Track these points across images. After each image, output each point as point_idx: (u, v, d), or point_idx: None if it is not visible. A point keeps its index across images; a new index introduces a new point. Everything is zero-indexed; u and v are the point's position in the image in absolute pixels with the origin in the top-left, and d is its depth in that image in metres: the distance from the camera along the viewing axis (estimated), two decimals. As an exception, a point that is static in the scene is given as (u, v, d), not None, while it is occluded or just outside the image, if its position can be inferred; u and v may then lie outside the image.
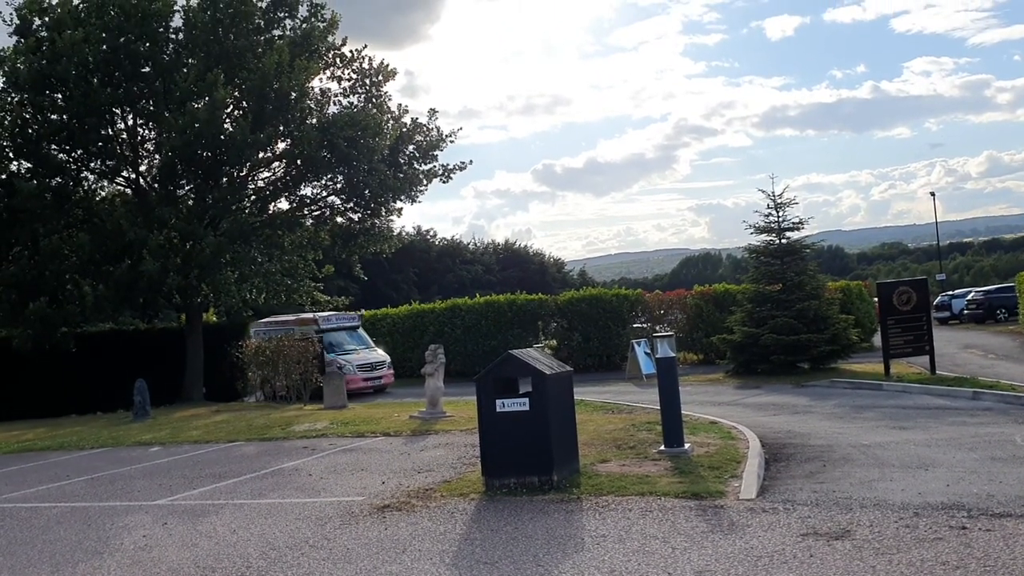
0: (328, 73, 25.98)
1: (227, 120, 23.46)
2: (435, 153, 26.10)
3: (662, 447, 10.62)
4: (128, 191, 26.02)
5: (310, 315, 26.67)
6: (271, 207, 26.84)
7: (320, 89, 25.80)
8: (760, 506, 7.76)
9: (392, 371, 26.22)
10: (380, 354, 26.58)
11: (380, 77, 26.21)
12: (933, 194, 61.43)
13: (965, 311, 40.75)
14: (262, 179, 26.44)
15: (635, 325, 27.53)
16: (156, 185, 24.88)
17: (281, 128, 23.77)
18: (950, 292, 47.68)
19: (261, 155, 24.67)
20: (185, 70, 22.76)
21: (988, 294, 40.97)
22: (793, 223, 22.80)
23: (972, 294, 42.55)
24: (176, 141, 21.98)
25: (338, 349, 25.23)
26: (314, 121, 24.47)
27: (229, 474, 11.73)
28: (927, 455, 9.89)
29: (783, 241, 22.82)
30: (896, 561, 5.92)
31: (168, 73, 22.98)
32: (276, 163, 25.95)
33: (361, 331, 27.55)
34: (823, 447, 10.82)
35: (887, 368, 18.86)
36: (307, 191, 26.77)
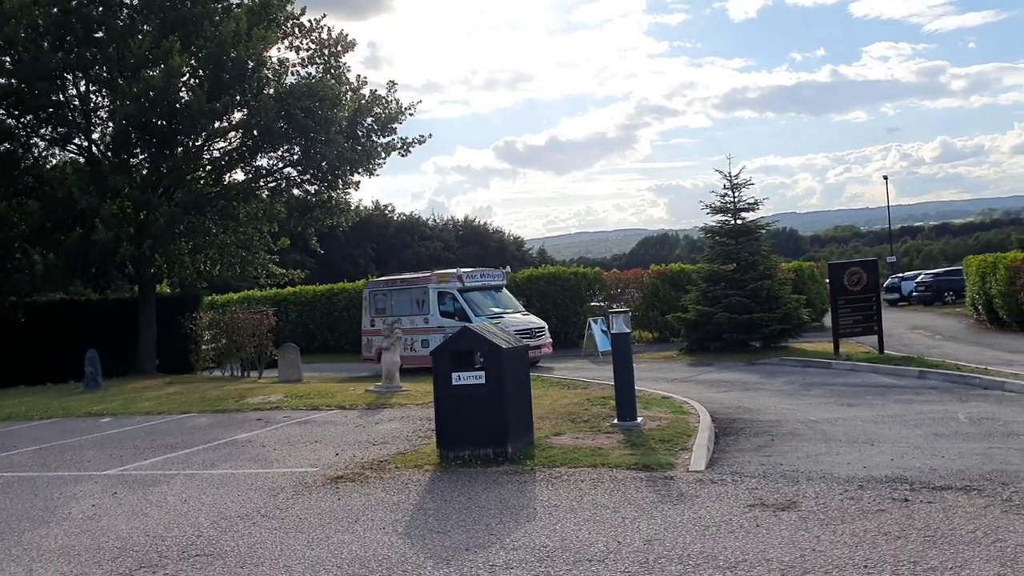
0: (286, 43, 25.59)
1: (183, 88, 23.04)
2: (394, 126, 25.89)
3: (615, 421, 10.75)
4: (80, 159, 25.48)
5: (450, 271, 23.60)
6: (226, 178, 26.48)
7: (278, 59, 25.42)
8: (709, 478, 7.90)
9: (549, 339, 22.50)
10: (536, 319, 22.96)
11: (339, 48, 25.88)
12: (886, 178, 62.54)
13: (914, 293, 41.59)
14: (218, 149, 26.04)
15: (592, 303, 27.72)
16: (109, 153, 24.38)
17: (238, 98, 23.39)
18: (900, 274, 48.61)
19: (217, 125, 24.27)
20: (140, 36, 22.27)
21: (937, 277, 41.87)
22: (749, 204, 23.09)
23: (921, 277, 43.45)
24: (130, 109, 21.55)
25: (483, 312, 21.60)
26: (271, 91, 24.13)
27: (181, 445, 11.64)
28: (873, 431, 10.13)
29: (738, 222, 23.09)
30: (840, 531, 6.07)
31: (122, 39, 22.47)
32: (232, 133, 25.55)
33: (506, 291, 24.23)
34: (772, 422, 11.03)
35: (836, 347, 19.21)
36: (263, 162, 26.43)
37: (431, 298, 22.18)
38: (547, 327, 22.53)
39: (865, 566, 5.31)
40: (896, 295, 42.90)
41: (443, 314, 21.72)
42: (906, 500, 6.82)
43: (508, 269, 25.72)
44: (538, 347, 20.86)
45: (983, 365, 16.06)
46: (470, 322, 19.67)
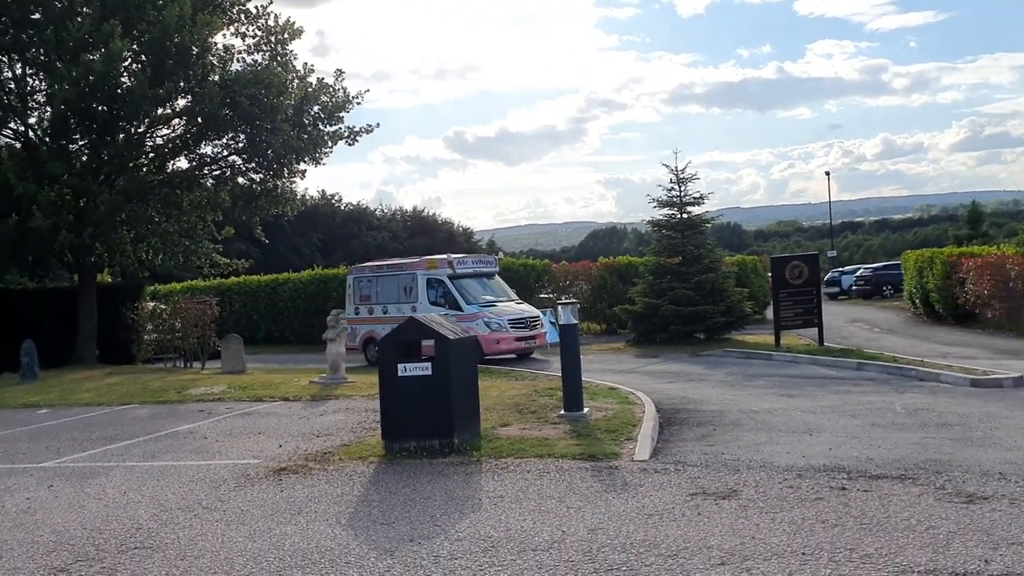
0: (232, 29, 25.19)
1: (124, 73, 22.55)
2: (341, 115, 25.64)
3: (562, 411, 10.81)
4: (16, 144, 24.80)
5: (440, 256, 22.05)
6: (170, 165, 25.98)
7: (223, 45, 25.01)
8: (653, 467, 7.99)
9: (545, 330, 21.12)
10: (530, 307, 21.83)
11: (286, 35, 25.55)
12: (828, 174, 63.47)
13: (854, 287, 42.44)
14: (161, 136, 25.55)
15: (541, 295, 27.80)
16: (47, 139, 23.76)
17: (182, 84, 22.96)
18: (840, 268, 49.55)
19: (160, 111, 23.80)
20: (80, 19, 21.72)
21: (876, 271, 42.79)
22: (694, 198, 23.37)
23: (861, 271, 44.35)
24: (69, 93, 21.02)
25: (476, 299, 20.51)
26: (216, 78, 23.73)
27: (121, 436, 11.43)
28: (812, 421, 10.32)
29: (684, 215, 23.36)
30: (779, 519, 6.18)
31: (61, 21, 21.89)
32: (176, 120, 25.08)
33: (499, 278, 22.99)
34: (714, 412, 11.18)
35: (778, 339, 19.54)
36: (208, 150, 25.99)
37: (420, 285, 20.97)
38: (541, 315, 21.37)
39: (803, 553, 5.41)
40: (836, 289, 43.72)
41: (432, 302, 20.50)
42: (843, 488, 6.96)
43: (501, 255, 24.25)
44: (532, 337, 20.38)
45: (919, 357, 16.47)
46: (461, 311, 19.50)
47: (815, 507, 6.46)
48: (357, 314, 22.01)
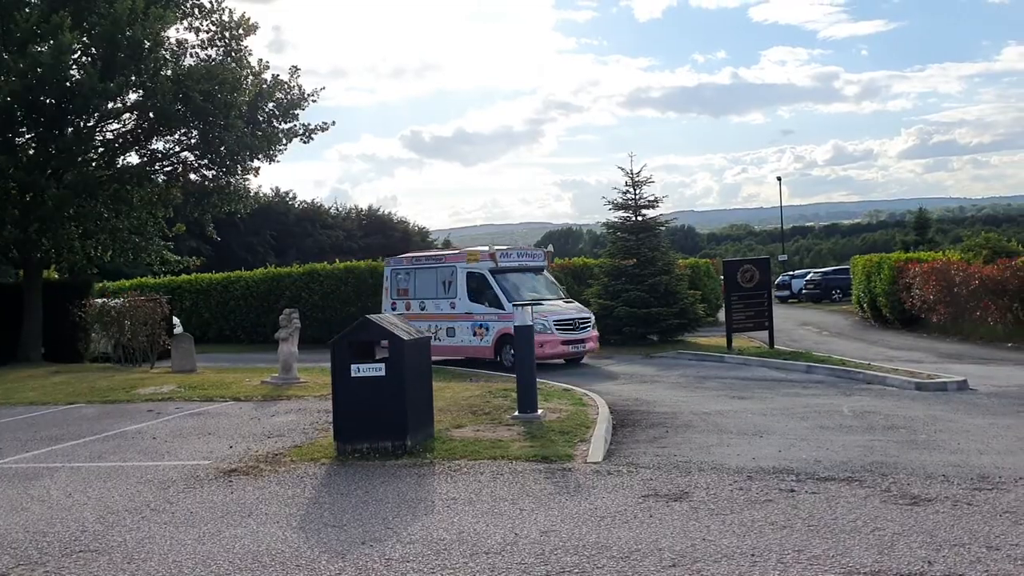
0: (185, 24, 24.79)
1: (74, 66, 22.08)
2: (296, 112, 25.35)
3: (516, 413, 10.83)
4: (-40, 136, 24.15)
5: (482, 248, 20.07)
6: (120, 160, 25.49)
7: (176, 40, 24.60)
8: (606, 469, 8.04)
9: (596, 333, 19.30)
10: (580, 307, 19.56)
11: (241, 31, 25.18)
12: (779, 179, 64.48)
13: (804, 291, 43.11)
14: (111, 131, 25.03)
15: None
16: (-8, 131, 23.19)
17: (133, 78, 22.53)
18: (791, 272, 50.30)
19: (110, 105, 23.32)
20: (27, 10, 21.24)
21: (825, 275, 43.53)
22: (649, 201, 23.60)
23: (811, 275, 45.07)
24: (15, 85, 20.52)
25: (518, 296, 18.18)
26: (168, 73, 23.32)
27: (67, 436, 11.20)
28: (762, 423, 10.46)
29: (639, 218, 23.57)
30: (729, 521, 6.25)
31: (7, 12, 21.36)
32: (127, 115, 24.60)
33: (548, 274, 20.84)
34: (667, 414, 11.28)
35: (729, 342, 19.78)
36: (159, 145, 25.51)
37: (459, 279, 19.20)
38: (593, 317, 19.40)
39: (752, 555, 5.48)
40: (787, 292, 44.37)
41: (473, 298, 18.93)
42: (792, 491, 7.07)
43: (551, 249, 21.76)
44: (581, 341, 18.39)
45: (867, 361, 16.78)
46: (502, 309, 17.91)
47: (764, 509, 6.55)
48: (394, 310, 20.29)
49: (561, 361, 18.44)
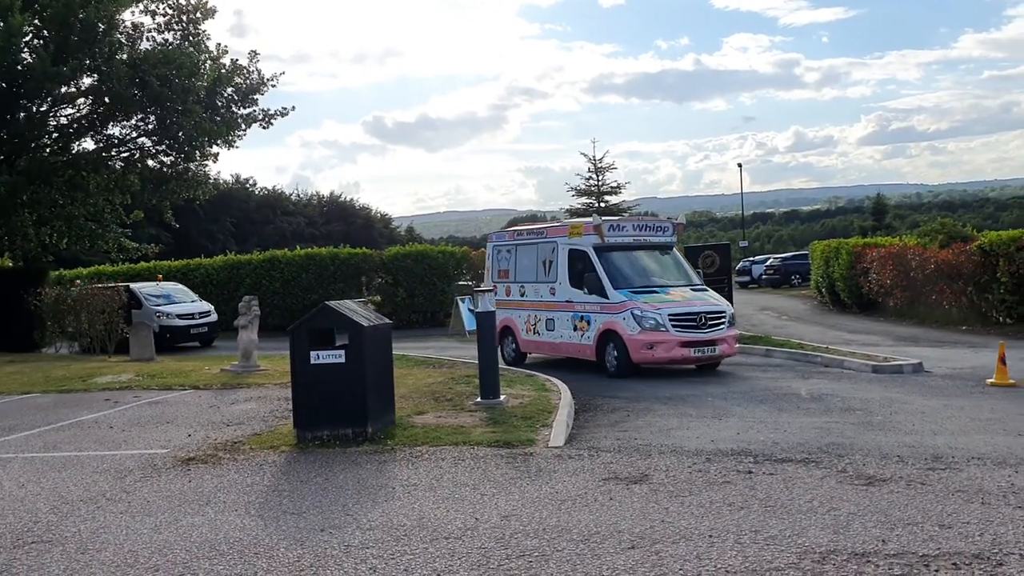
0: (141, 6, 24.37)
1: (25, 49, 21.62)
2: (255, 97, 25.08)
3: (479, 399, 10.82)
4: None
5: (585, 220, 16.16)
6: (75, 146, 25.09)
7: (132, 23, 24.20)
8: (567, 453, 8.06)
9: (735, 332, 14.92)
10: (715, 297, 15.17)
11: (198, 14, 24.84)
12: (740, 166, 65.03)
13: (764, 276, 43.53)
14: (65, 116, 24.61)
15: (460, 282, 27.78)
16: (-60, 116, 22.66)
17: (87, 62, 22.12)
18: (751, 258, 50.77)
19: (64, 90, 22.92)
20: (-25, -9, 20.75)
21: (785, 261, 44.00)
22: (612, 188, 23.75)
23: (770, 260, 45.52)
24: (-36, 69, 20.10)
25: (629, 282, 14.52)
26: (124, 57, 22.94)
27: (20, 427, 10.99)
28: (722, 406, 10.57)
29: (602, 204, 23.66)
30: (688, 503, 6.30)
31: (-46, -8, 20.88)
32: (81, 99, 24.20)
33: (677, 252, 16.24)
34: (629, 398, 11.35)
35: (692, 327, 19.88)
36: (116, 131, 25.13)
37: (560, 259, 15.54)
38: (729, 309, 14.98)
39: (710, 535, 5.53)
40: (747, 278, 44.77)
41: (574, 283, 15.09)
42: (750, 472, 7.14)
43: (682, 220, 16.90)
44: (709, 342, 14.03)
45: (824, 344, 17.00)
46: (606, 297, 14.33)
47: (723, 490, 6.61)
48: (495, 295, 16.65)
49: (692, 367, 14.64)
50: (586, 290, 14.70)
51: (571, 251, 15.35)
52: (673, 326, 13.78)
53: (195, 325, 24.23)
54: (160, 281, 26.03)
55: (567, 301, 15.21)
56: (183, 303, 24.79)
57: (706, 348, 14.00)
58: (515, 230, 18.00)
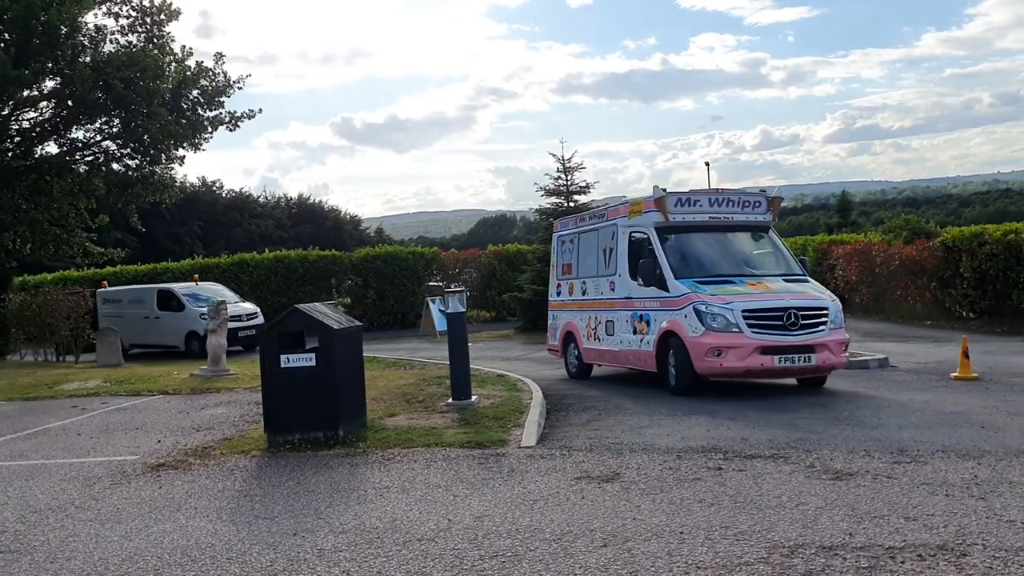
0: (104, 9, 24.09)
1: (-14, 53, 21.29)
2: (221, 99, 24.88)
3: (450, 400, 10.84)
4: None
5: (645, 196, 12.57)
6: (38, 150, 24.71)
7: (95, 26, 23.89)
8: (539, 453, 8.10)
9: (844, 336, 11.47)
10: (813, 291, 11.72)
11: (162, 16, 24.59)
12: (707, 164, 65.40)
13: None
14: (28, 120, 24.26)
15: (430, 283, 27.79)
16: (-101, 120, 22.28)
17: (49, 65, 21.84)
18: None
19: (26, 93, 22.60)
20: (-67, -7, 20.43)
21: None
22: (580, 187, 23.79)
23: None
24: (-78, 72, 19.75)
25: (702, 270, 11.74)
26: (87, 59, 22.66)
27: (-15, 436, 10.85)
28: (692, 404, 10.63)
29: (571, 204, 23.71)
30: (659, 500, 6.36)
31: (-88, -5, 20.54)
32: (44, 103, 23.86)
33: (774, 235, 12.85)
34: (600, 397, 11.42)
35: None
36: (80, 134, 24.83)
37: (620, 245, 12.74)
38: (836, 302, 11.61)
39: (681, 532, 5.58)
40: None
41: (633, 273, 12.20)
42: (720, 468, 7.21)
43: (778, 193, 13.17)
44: (805, 348, 10.84)
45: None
46: (666, 290, 11.49)
47: (693, 487, 6.67)
48: (558, 295, 14.92)
49: (792, 381, 11.76)
50: (640, 281, 11.89)
51: (631, 235, 12.50)
52: (749, 326, 10.75)
53: (242, 328, 22.22)
54: (197, 281, 24.91)
55: (626, 298, 12.41)
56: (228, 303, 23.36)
57: (797, 357, 10.78)
58: (580, 215, 15.23)
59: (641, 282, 11.91)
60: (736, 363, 10.76)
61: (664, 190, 12.26)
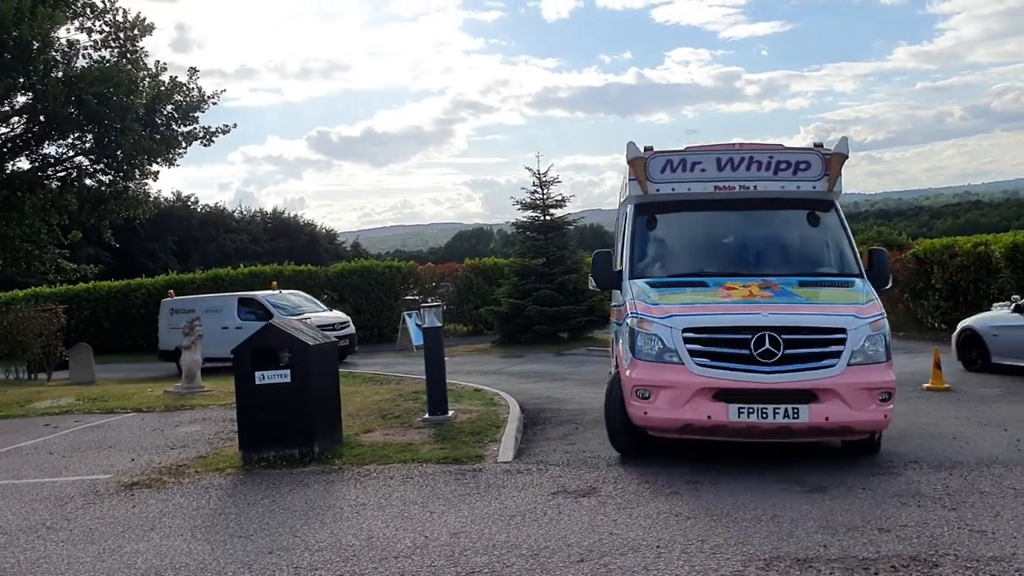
0: (77, 24, 23.92)
1: (-45, 68, 21.09)
2: (196, 114, 24.71)
3: (427, 415, 10.80)
4: None
5: (639, 153, 8.95)
6: (9, 166, 24.44)
7: (67, 40, 23.70)
8: (516, 468, 8.09)
9: (881, 376, 7.39)
10: (843, 300, 7.78)
11: (136, 31, 24.44)
12: (685, 177, 65.64)
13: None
14: (-2, 135, 24.03)
15: (407, 297, 27.74)
16: None
17: (21, 80, 21.63)
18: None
19: (-3, 108, 22.40)
20: (-98, 7, 20.19)
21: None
22: (557, 201, 23.87)
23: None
24: None
25: (677, 265, 8.73)
26: (60, 74, 22.47)
27: (-45, 456, 10.69)
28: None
29: (547, 217, 23.81)
30: (635, 514, 6.37)
31: None
32: (15, 118, 23.62)
33: (840, 213, 9.21)
34: (577, 411, 11.42)
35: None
36: (52, 150, 24.50)
37: (619, 231, 10.32)
38: (858, 335, 7.47)
39: (657, 546, 5.60)
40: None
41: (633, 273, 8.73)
42: (696, 482, 7.23)
43: (844, 149, 8.92)
44: (793, 395, 7.25)
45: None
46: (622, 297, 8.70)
47: (669, 501, 6.70)
48: (611, 300, 11.13)
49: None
50: (593, 282, 9.13)
51: (625, 217, 9.51)
52: (693, 354, 7.42)
53: (337, 338, 21.15)
54: (275, 288, 23.87)
55: (619, 305, 9.13)
56: (317, 312, 22.13)
57: (773, 409, 7.22)
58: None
59: (593, 283, 9.12)
60: (667, 413, 7.44)
61: (649, 148, 8.88)
